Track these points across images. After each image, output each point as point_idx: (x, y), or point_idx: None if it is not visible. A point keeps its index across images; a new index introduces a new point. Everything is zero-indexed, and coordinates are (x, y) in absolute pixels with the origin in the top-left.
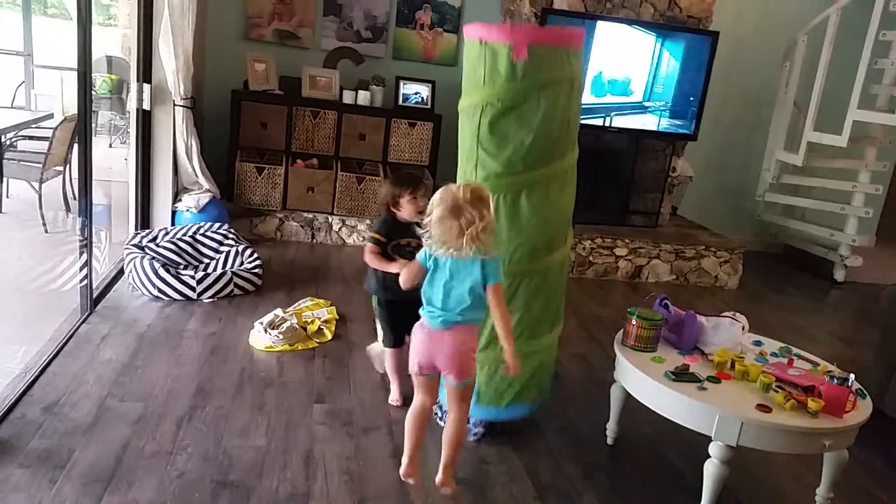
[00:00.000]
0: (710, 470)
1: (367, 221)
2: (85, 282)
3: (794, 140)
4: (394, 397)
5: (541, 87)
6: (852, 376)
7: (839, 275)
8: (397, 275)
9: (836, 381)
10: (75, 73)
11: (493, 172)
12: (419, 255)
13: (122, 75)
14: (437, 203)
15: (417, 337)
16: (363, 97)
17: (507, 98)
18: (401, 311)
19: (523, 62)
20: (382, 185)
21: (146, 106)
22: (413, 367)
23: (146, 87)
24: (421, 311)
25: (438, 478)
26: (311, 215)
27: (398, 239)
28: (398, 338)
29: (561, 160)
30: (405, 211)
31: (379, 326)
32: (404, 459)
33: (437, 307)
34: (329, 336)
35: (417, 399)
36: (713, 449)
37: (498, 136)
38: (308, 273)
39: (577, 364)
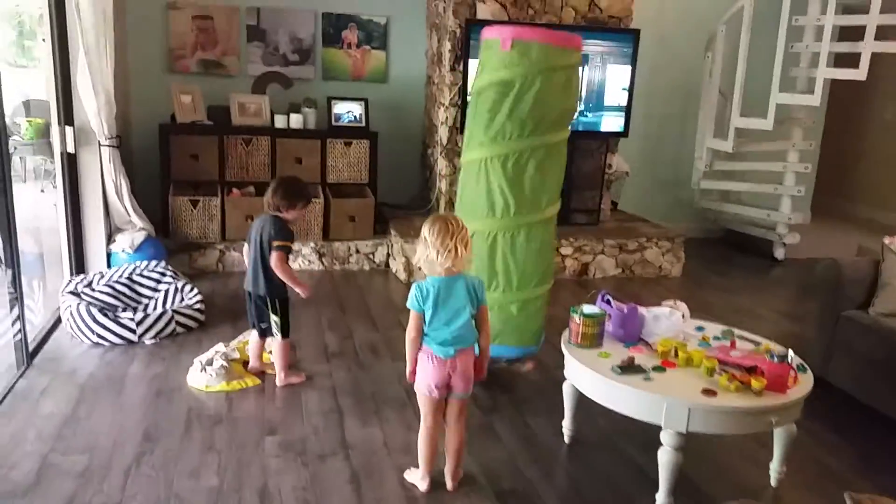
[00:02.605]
0: (664, 458)
1: (311, 244)
2: (19, 335)
3: (722, 127)
4: (295, 380)
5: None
6: (791, 352)
7: (779, 253)
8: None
9: (776, 358)
10: None
11: (511, 135)
12: (412, 305)
13: (48, 118)
14: (433, 231)
15: (431, 366)
16: (295, 120)
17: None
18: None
19: (510, 52)
20: (270, 188)
21: (70, 149)
22: (429, 391)
23: (69, 129)
24: (427, 345)
25: (451, 485)
26: None
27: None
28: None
29: (559, 132)
30: (292, 216)
31: (278, 322)
32: (426, 479)
33: (447, 339)
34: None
35: (430, 419)
36: (664, 437)
37: (514, 108)
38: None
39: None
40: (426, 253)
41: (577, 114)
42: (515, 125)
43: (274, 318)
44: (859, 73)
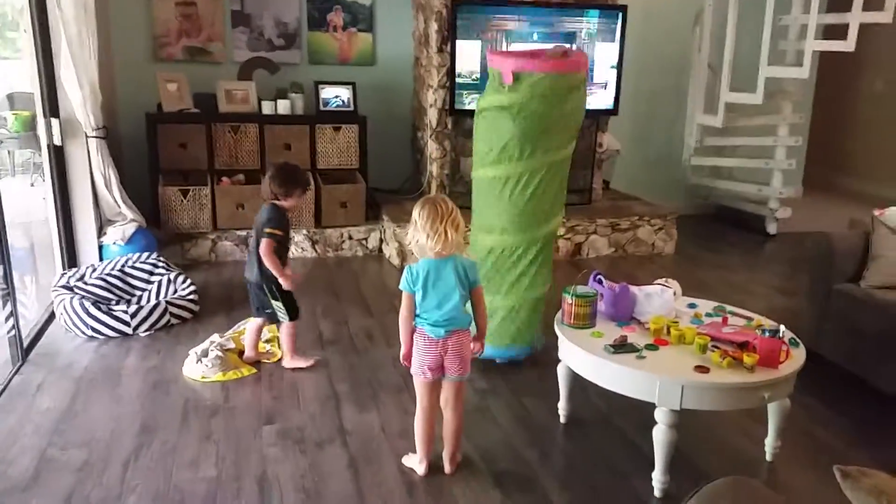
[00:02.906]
0: (659, 436)
1: (304, 232)
2: (12, 331)
3: (712, 103)
4: (302, 363)
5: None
6: (782, 327)
7: (771, 227)
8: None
9: (767, 333)
10: None
11: (517, 156)
12: (404, 286)
13: (34, 110)
14: (422, 215)
15: (423, 345)
16: (283, 106)
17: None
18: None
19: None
20: (267, 177)
21: (57, 141)
22: (422, 372)
23: (54, 121)
24: (419, 325)
25: (448, 468)
26: (244, 233)
27: (286, 232)
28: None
29: (565, 148)
30: (290, 203)
31: (280, 307)
32: (423, 463)
33: (439, 321)
34: (278, 355)
35: (425, 401)
36: (658, 415)
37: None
38: (246, 293)
39: None
40: (416, 236)
41: None
42: (522, 146)
43: (276, 304)
44: (847, 45)
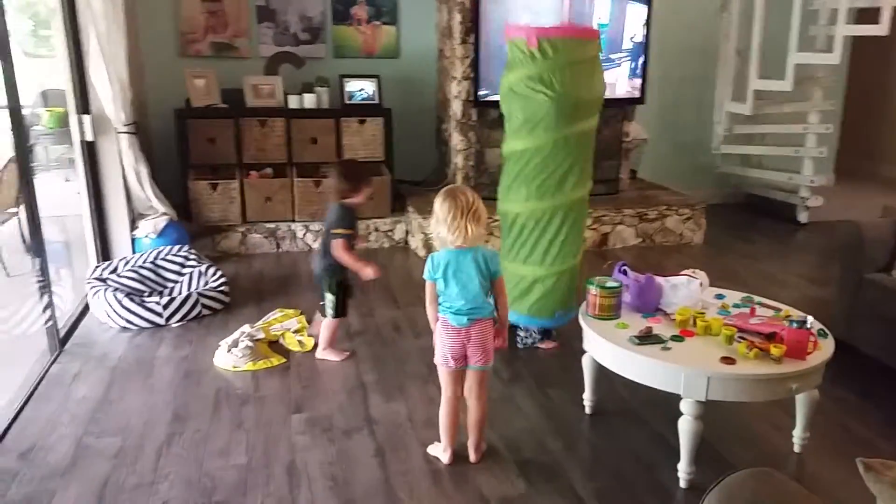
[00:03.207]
0: (684, 426)
1: None
2: (50, 322)
3: (741, 90)
4: (333, 357)
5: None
6: (810, 318)
7: (802, 216)
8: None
9: (795, 324)
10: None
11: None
12: (426, 275)
13: (66, 107)
14: (443, 209)
15: (446, 334)
16: (309, 100)
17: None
18: (346, 289)
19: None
20: (333, 176)
21: (88, 137)
22: (446, 361)
23: (86, 118)
24: (442, 313)
25: (473, 457)
26: (273, 225)
27: (356, 229)
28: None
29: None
30: (360, 199)
31: (331, 301)
32: (447, 451)
33: (461, 309)
34: (310, 346)
35: (449, 391)
36: (684, 406)
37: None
38: (276, 284)
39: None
40: (437, 229)
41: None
42: (555, 115)
43: (328, 297)
44: (880, 29)
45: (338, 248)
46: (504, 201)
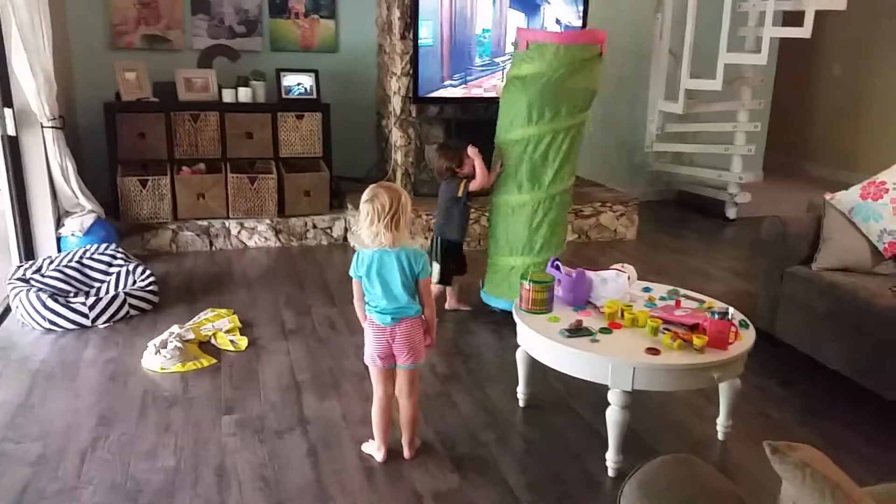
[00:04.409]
0: (612, 416)
1: (267, 221)
2: None
3: (674, 89)
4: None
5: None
6: (731, 309)
7: (731, 212)
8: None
9: (717, 315)
10: None
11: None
12: (352, 272)
13: None
14: (363, 210)
15: (372, 333)
16: (244, 94)
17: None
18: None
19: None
20: (434, 156)
21: (10, 132)
22: (373, 361)
23: (7, 111)
24: (368, 312)
25: (407, 453)
26: (205, 223)
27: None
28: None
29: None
30: (467, 169)
31: (437, 267)
32: (381, 449)
33: (385, 308)
34: (243, 346)
35: (380, 390)
36: (611, 396)
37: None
38: (208, 283)
39: (489, 334)
40: (359, 228)
41: None
42: (539, 111)
43: (435, 265)
44: (804, 31)
45: (483, 178)
46: (500, 194)
